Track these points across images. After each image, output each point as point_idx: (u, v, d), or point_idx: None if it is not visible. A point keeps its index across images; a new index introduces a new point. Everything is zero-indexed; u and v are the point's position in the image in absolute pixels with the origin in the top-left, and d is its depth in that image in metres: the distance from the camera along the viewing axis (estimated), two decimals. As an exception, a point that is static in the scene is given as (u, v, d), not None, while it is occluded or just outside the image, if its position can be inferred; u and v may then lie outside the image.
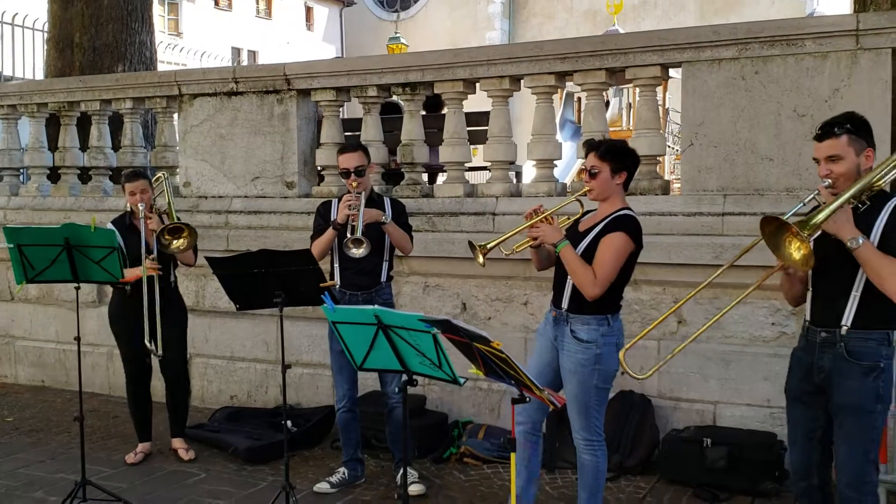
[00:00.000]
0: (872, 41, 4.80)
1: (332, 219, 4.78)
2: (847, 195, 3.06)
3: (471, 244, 4.01)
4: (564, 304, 3.85)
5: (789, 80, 4.99)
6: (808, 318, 3.32)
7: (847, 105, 4.81)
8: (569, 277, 3.80)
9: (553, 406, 3.03)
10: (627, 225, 3.78)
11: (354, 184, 4.74)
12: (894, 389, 3.39)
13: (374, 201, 4.88)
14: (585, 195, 3.96)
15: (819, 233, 3.09)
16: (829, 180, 3.13)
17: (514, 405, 3.01)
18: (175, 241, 5.12)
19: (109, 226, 5.20)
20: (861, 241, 3.00)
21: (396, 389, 4.55)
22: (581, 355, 3.77)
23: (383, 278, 4.87)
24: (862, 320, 3.11)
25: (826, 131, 3.16)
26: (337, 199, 4.90)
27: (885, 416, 3.21)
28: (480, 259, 3.93)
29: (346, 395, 4.90)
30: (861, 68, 4.83)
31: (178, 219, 5.30)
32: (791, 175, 4.99)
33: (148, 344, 5.15)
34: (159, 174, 5.68)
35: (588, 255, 3.77)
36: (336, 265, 4.86)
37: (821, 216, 3.01)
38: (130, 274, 5.08)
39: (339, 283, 4.83)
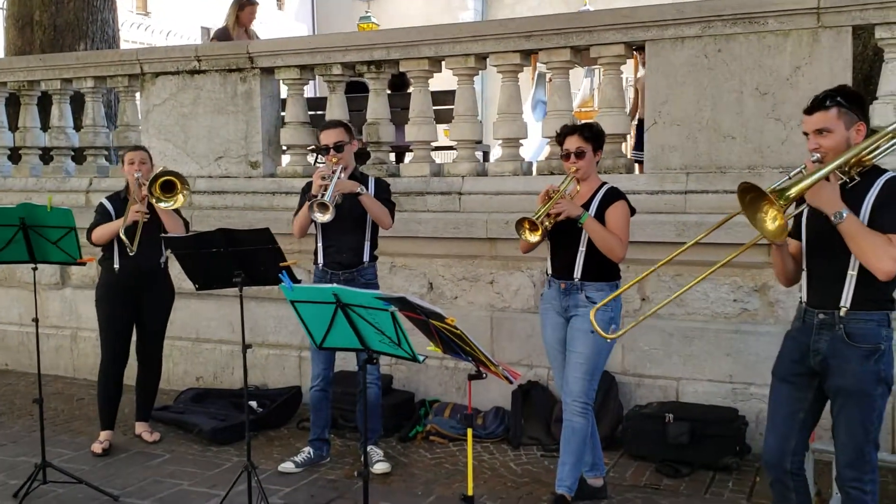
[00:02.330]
0: (833, 19, 4.82)
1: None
2: (830, 167, 2.95)
3: (521, 220, 4.04)
4: (577, 275, 4.11)
5: (751, 58, 5.00)
6: (804, 299, 3.20)
7: (808, 83, 4.85)
8: (580, 249, 4.09)
9: (508, 381, 3.04)
10: (622, 195, 4.19)
11: (334, 159, 4.74)
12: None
13: (356, 178, 4.86)
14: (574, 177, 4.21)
15: (804, 207, 3.05)
16: (818, 154, 3.03)
17: (471, 381, 3.02)
18: (171, 198, 4.95)
19: (102, 199, 5.19)
20: (845, 215, 2.89)
21: (358, 366, 4.55)
22: (598, 317, 3.91)
23: (366, 258, 4.85)
24: (861, 301, 3.01)
25: (816, 104, 3.05)
26: None
27: (887, 398, 3.10)
28: (528, 235, 4.01)
29: (321, 374, 4.90)
30: (822, 46, 4.86)
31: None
32: (753, 153, 5.02)
33: (122, 237, 4.95)
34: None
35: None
36: (319, 244, 4.86)
37: (796, 188, 2.92)
38: (100, 230, 5.04)
39: (322, 261, 4.85)
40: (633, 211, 4.19)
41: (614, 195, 4.15)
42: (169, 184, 4.96)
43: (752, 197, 2.94)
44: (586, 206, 4.13)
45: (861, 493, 3.10)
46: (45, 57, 7.45)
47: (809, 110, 3.07)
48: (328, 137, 4.80)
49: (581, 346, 4.08)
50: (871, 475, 3.10)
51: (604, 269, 4.10)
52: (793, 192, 2.92)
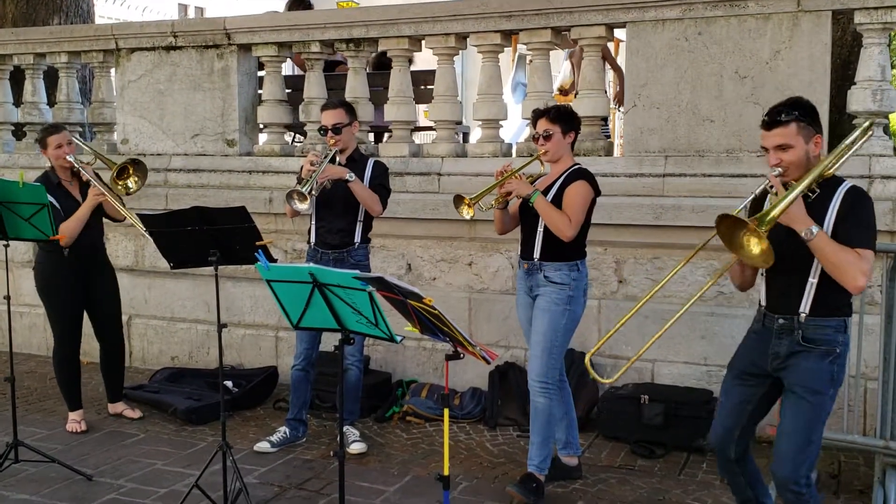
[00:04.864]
0: (813, 3, 4.83)
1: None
2: (801, 188, 2.97)
3: (458, 196, 4.22)
4: (536, 255, 4.13)
5: (732, 41, 5.01)
6: (763, 303, 3.27)
7: (787, 67, 4.87)
8: (538, 230, 4.10)
9: (485, 361, 3.04)
10: (585, 175, 4.16)
11: (331, 141, 4.71)
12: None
13: (355, 161, 4.82)
14: (539, 157, 4.24)
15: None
16: (779, 169, 3.05)
17: (448, 361, 3.01)
18: (129, 181, 4.90)
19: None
20: (815, 232, 2.92)
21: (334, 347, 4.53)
22: (555, 295, 4.08)
23: (357, 239, 4.82)
24: (819, 308, 3.09)
25: (774, 119, 3.06)
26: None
27: (833, 402, 3.19)
28: (467, 211, 4.19)
29: (303, 353, 4.89)
30: (802, 30, 4.87)
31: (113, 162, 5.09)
32: (731, 136, 5.04)
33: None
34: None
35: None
36: (312, 223, 4.86)
37: (775, 211, 2.92)
38: (68, 224, 4.87)
39: (313, 240, 4.85)
40: (597, 192, 4.17)
41: (577, 175, 4.13)
42: (120, 169, 4.92)
43: (728, 226, 2.95)
44: (553, 185, 4.14)
45: (798, 497, 3.13)
46: (18, 31, 7.32)
47: (768, 125, 3.08)
48: (327, 118, 4.76)
49: (538, 323, 4.13)
50: (807, 479, 3.14)
51: (563, 250, 4.08)
52: (772, 215, 2.91)
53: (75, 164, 4.91)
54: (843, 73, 5.84)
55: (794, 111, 3.04)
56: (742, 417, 3.32)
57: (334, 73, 6.67)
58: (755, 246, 2.91)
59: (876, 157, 4.79)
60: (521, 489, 4.08)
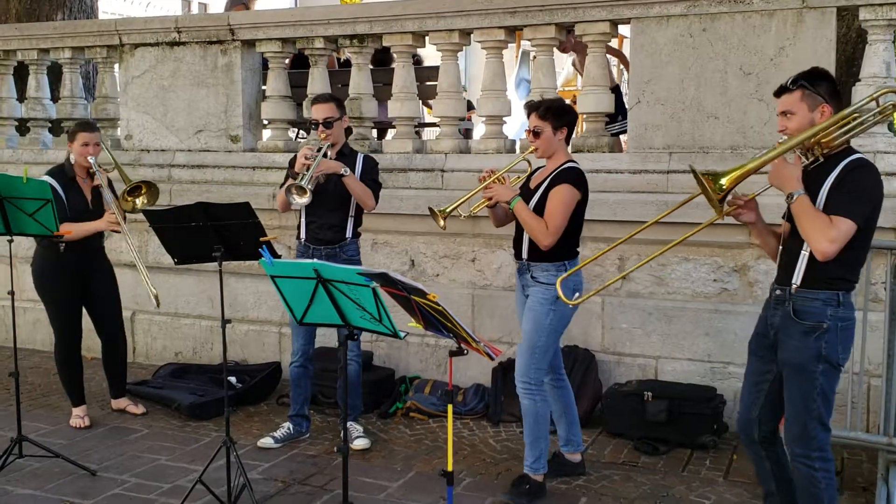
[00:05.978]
0: (818, 0, 4.81)
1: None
2: (779, 150, 3.08)
3: (431, 209, 4.25)
4: (524, 255, 4.12)
5: (736, 37, 4.99)
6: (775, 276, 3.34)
7: (792, 64, 4.85)
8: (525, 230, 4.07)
9: (489, 357, 3.04)
10: (571, 176, 4.04)
11: (323, 135, 4.71)
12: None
13: (345, 155, 4.81)
14: (532, 154, 4.22)
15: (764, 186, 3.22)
16: (784, 136, 3.14)
17: (452, 357, 3.02)
18: (137, 200, 4.97)
19: (45, 178, 4.92)
20: (796, 196, 2.99)
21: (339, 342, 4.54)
22: (541, 295, 4.05)
23: (348, 234, 4.82)
24: (810, 280, 3.09)
25: (782, 86, 3.15)
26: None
27: (833, 375, 3.14)
28: (441, 222, 4.21)
29: (300, 349, 4.89)
30: (806, 27, 4.86)
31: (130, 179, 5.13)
32: (736, 133, 5.03)
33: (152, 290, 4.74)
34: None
35: (540, 209, 4.03)
36: (302, 219, 4.85)
37: (733, 173, 3.09)
38: (73, 228, 4.83)
39: (304, 236, 4.85)
40: (584, 192, 4.07)
41: (563, 177, 4.03)
42: (133, 188, 4.97)
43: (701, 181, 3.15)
44: (542, 184, 4.11)
45: (810, 470, 3.15)
46: (22, 26, 7.32)
47: (777, 92, 3.18)
48: (318, 112, 4.76)
49: (525, 322, 4.13)
50: (819, 453, 3.16)
51: (550, 250, 4.01)
52: (730, 177, 3.11)
53: (93, 167, 4.93)
54: (848, 69, 5.83)
55: (801, 79, 3.12)
56: (759, 398, 3.33)
57: (338, 70, 6.66)
58: (713, 203, 3.13)
59: (880, 153, 4.78)
60: (513, 494, 4.09)
